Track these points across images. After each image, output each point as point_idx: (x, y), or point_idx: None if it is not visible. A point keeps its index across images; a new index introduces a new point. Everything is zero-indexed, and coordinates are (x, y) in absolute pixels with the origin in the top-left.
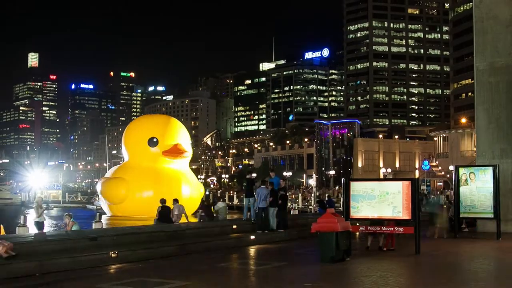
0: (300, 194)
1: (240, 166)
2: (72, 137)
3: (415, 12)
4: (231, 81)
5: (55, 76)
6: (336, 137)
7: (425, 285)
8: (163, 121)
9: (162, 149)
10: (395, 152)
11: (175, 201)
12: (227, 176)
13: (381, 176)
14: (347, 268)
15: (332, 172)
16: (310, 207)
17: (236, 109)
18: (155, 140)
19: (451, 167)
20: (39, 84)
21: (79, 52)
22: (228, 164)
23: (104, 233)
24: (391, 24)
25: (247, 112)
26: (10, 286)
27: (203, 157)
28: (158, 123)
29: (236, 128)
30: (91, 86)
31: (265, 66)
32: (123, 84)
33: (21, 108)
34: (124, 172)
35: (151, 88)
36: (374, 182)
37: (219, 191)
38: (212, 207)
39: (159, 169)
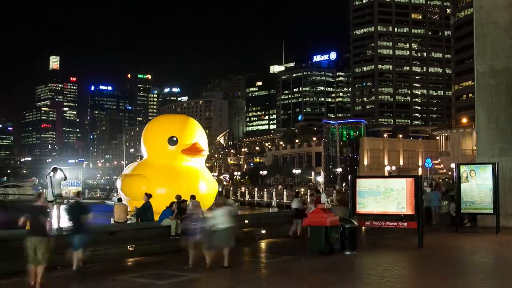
0: (308, 191)
1: (252, 164)
2: (91, 136)
3: (418, 17)
4: (243, 83)
5: (75, 78)
6: (343, 136)
7: (428, 277)
8: (182, 120)
9: (181, 148)
10: (399, 150)
11: (192, 197)
12: (239, 173)
13: (386, 174)
14: (354, 261)
15: (339, 170)
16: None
17: (248, 109)
18: (174, 138)
19: (453, 165)
20: (60, 85)
21: (98, 55)
22: (240, 162)
23: (122, 228)
24: (396, 29)
25: (258, 113)
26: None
27: (216, 155)
28: (177, 122)
29: (247, 128)
30: (109, 88)
31: (275, 68)
32: (140, 85)
33: (43, 108)
34: (144, 169)
35: (166, 90)
36: (379, 179)
37: (231, 188)
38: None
39: (178, 167)
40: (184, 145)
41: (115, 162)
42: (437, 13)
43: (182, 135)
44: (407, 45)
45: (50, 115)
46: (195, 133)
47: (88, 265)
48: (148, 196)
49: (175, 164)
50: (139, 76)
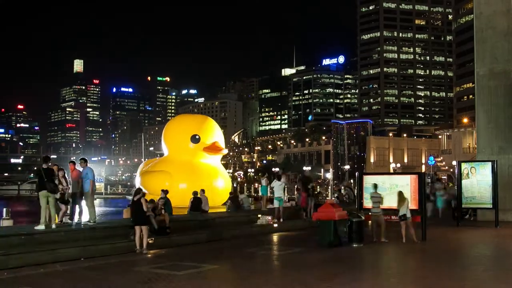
0: (318, 187)
1: (264, 161)
2: (113, 136)
3: (421, 23)
4: (257, 85)
5: (98, 81)
6: (350, 135)
7: (431, 269)
8: (202, 120)
9: (202, 146)
10: (403, 149)
11: (202, 191)
12: (252, 170)
13: (391, 171)
14: (361, 253)
15: (347, 167)
16: (326, 198)
17: (261, 110)
18: (197, 137)
19: (454, 162)
20: (83, 87)
21: (120, 58)
22: (254, 160)
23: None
24: (400, 34)
25: (271, 113)
26: (57, 269)
27: (231, 153)
28: (198, 121)
29: (260, 127)
30: (130, 90)
31: (287, 71)
32: (159, 87)
33: (67, 109)
34: (167, 165)
35: (184, 91)
36: (385, 176)
37: (245, 184)
38: (238, 198)
39: (197, 164)
40: (205, 144)
41: (136, 160)
42: (440, 19)
43: (203, 134)
44: (411, 49)
45: (74, 115)
46: (215, 132)
47: (108, 257)
48: (165, 192)
49: (195, 161)
50: (158, 78)
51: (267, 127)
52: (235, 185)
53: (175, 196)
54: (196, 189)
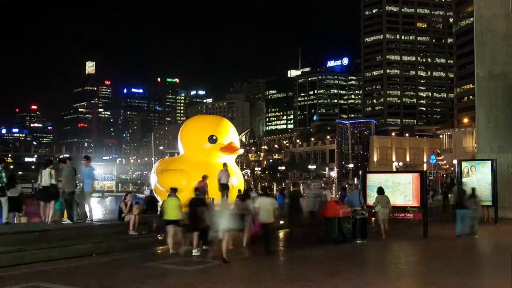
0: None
1: (271, 160)
2: (124, 135)
3: (423, 26)
4: (263, 86)
5: (109, 82)
6: (354, 135)
7: (432, 264)
8: (218, 121)
9: (219, 146)
10: (406, 148)
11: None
12: (259, 169)
13: (394, 169)
14: (365, 249)
15: (351, 166)
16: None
17: (268, 110)
18: (214, 137)
19: (455, 161)
20: (95, 88)
21: (131, 60)
22: (260, 159)
23: (151, 219)
24: (403, 36)
25: (277, 113)
26: (69, 265)
27: None
28: (215, 122)
29: (267, 127)
30: (140, 90)
31: (292, 73)
32: (169, 88)
33: (79, 109)
34: (184, 164)
35: (193, 92)
36: (388, 174)
37: (252, 182)
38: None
39: (213, 163)
40: (221, 144)
41: (146, 159)
42: (441, 22)
43: (220, 134)
44: (413, 52)
45: (86, 115)
46: (230, 133)
47: (119, 253)
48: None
49: (210, 160)
50: (168, 80)
51: (273, 127)
52: None
53: (191, 194)
54: (212, 187)
